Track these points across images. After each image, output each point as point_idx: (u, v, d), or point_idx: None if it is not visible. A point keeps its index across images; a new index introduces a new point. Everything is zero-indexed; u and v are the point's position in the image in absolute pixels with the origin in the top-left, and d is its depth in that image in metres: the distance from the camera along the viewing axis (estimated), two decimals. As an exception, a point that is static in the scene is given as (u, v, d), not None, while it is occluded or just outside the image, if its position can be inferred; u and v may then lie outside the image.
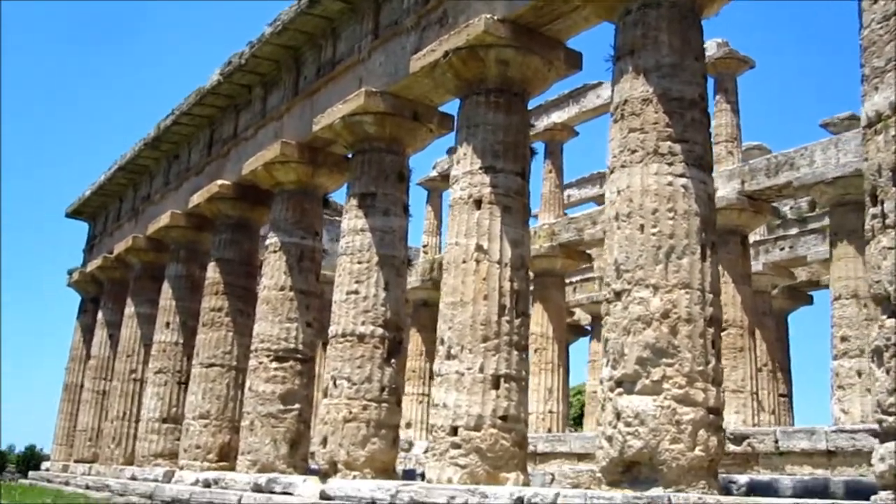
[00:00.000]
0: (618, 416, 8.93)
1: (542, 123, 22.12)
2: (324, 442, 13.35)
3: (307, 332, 16.13)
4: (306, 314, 16.17)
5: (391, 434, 13.42)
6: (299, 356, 15.92)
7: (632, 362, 8.94)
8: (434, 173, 26.01)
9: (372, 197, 14.09)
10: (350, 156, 15.42)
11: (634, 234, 9.28)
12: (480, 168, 11.76)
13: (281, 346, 15.81)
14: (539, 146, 21.85)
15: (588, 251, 21.31)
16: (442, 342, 11.46)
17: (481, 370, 11.02)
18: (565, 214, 22.08)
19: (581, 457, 14.79)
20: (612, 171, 9.82)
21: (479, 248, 11.44)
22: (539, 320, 19.77)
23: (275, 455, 15.37)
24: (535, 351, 19.68)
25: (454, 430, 10.95)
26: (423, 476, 12.82)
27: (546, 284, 19.92)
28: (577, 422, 34.76)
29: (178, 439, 19.74)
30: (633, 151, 9.54)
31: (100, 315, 25.60)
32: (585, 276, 26.83)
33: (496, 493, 9.72)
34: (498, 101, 12.02)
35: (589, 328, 28.99)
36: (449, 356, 11.28)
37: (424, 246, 26.10)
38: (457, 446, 10.88)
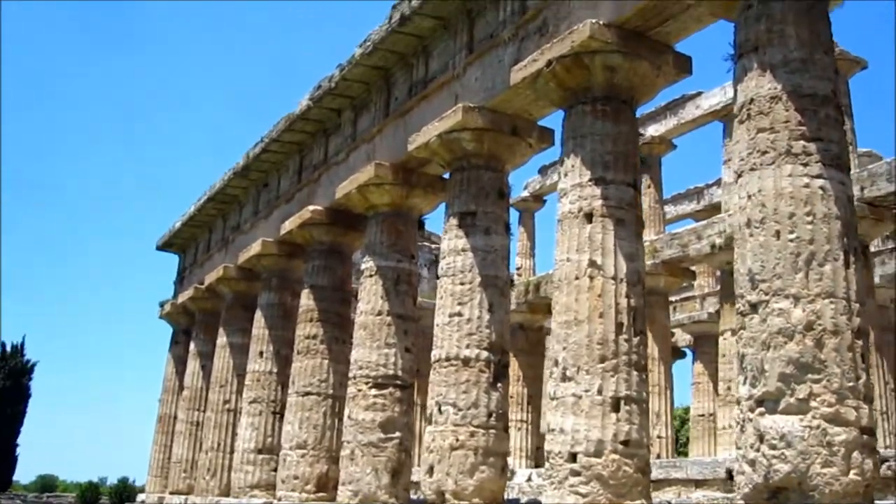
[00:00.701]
0: (760, 438, 8.23)
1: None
2: (430, 471, 12.84)
3: (406, 358, 15.69)
4: (404, 339, 15.74)
5: (500, 462, 12.84)
6: (399, 382, 15.48)
7: (774, 379, 8.24)
8: (526, 193, 25.50)
9: (472, 216, 13.63)
10: (447, 175, 15.02)
11: (770, 241, 8.60)
12: (590, 180, 11.21)
13: (380, 373, 15.40)
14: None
15: (691, 268, 20.48)
16: (556, 363, 10.88)
17: (600, 392, 10.41)
18: (665, 231, 21.31)
19: (698, 483, 13.98)
20: (740, 175, 9.16)
21: (592, 263, 10.87)
22: (643, 341, 18.96)
23: (376, 485, 14.92)
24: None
25: (573, 457, 10.35)
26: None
27: (649, 303, 19.07)
28: (681, 448, 33.65)
29: (275, 470, 19.45)
30: (764, 153, 8.88)
31: (192, 346, 25.60)
32: (684, 294, 25.90)
33: (624, 522, 9.08)
34: (605, 109, 11.48)
35: (688, 350, 27.99)
36: (564, 378, 10.69)
37: (518, 268, 25.54)
38: (576, 473, 10.26)
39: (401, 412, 15.40)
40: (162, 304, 28.35)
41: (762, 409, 8.31)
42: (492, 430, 12.78)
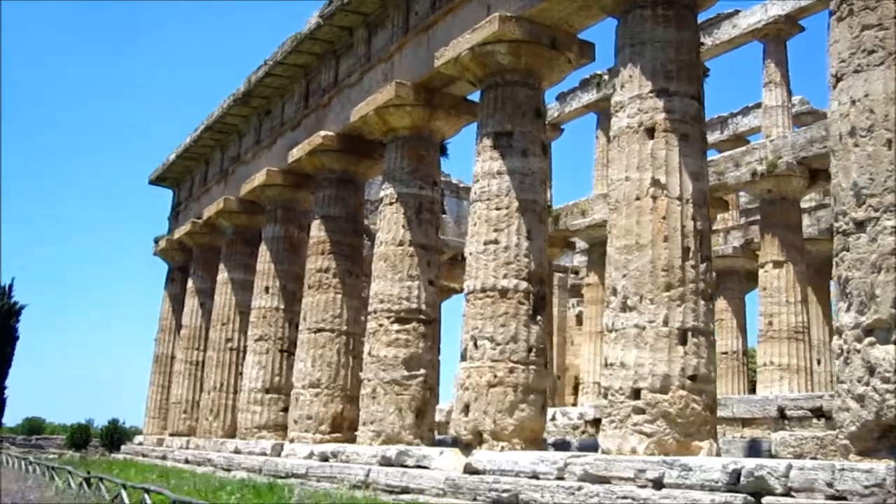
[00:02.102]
0: (870, 370, 7.31)
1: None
2: (465, 409, 11.95)
3: (430, 291, 14.74)
4: (428, 271, 14.77)
5: (540, 400, 11.97)
6: (422, 317, 14.54)
7: (887, 305, 7.30)
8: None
9: (508, 136, 12.58)
10: (472, 97, 13.96)
11: (880, 152, 7.60)
12: (651, 91, 10.18)
13: (402, 307, 14.45)
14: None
15: (724, 198, 19.50)
16: (615, 292, 9.95)
17: (665, 323, 9.49)
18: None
19: (746, 422, 13.22)
20: (839, 79, 8.13)
21: (655, 182, 9.88)
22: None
23: (400, 425, 14.06)
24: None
25: (636, 393, 9.47)
26: (581, 447, 11.40)
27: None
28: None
29: (283, 410, 18.64)
30: (871, 52, 7.84)
31: (189, 283, 24.58)
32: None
33: (702, 464, 8.22)
34: (667, 14, 10.41)
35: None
36: (625, 308, 9.76)
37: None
38: (640, 411, 9.40)
39: (425, 348, 14.49)
40: (157, 241, 27.23)
41: (872, 339, 7.38)
42: (532, 366, 11.89)
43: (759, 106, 21.92)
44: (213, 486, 13.59)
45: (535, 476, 10.15)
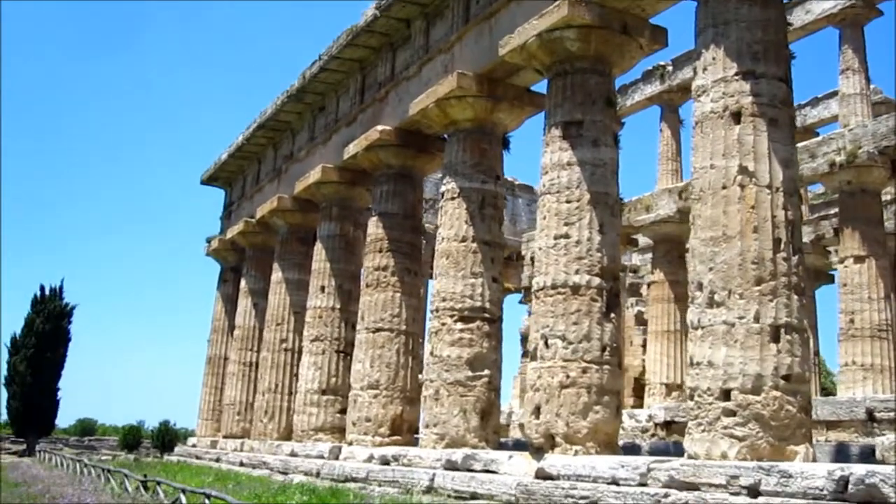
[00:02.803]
0: None
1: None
2: (536, 412, 11.41)
3: (493, 288, 14.23)
4: (492, 268, 14.27)
5: (614, 401, 11.39)
6: (486, 315, 14.04)
7: None
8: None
9: (578, 126, 12.02)
10: (536, 88, 13.44)
11: None
12: (736, 74, 9.58)
13: (466, 305, 13.95)
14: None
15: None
16: (700, 287, 9.36)
17: (757, 319, 8.89)
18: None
19: (830, 425, 12.51)
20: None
21: (743, 169, 9.28)
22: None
23: (465, 428, 13.57)
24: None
25: (726, 394, 8.88)
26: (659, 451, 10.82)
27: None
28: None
29: (340, 412, 18.26)
30: None
31: (242, 283, 24.33)
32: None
33: (804, 471, 7.60)
34: (752, -9, 9.78)
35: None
36: (712, 303, 9.17)
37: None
38: (731, 413, 8.80)
39: (489, 348, 13.99)
40: (209, 241, 27.04)
41: None
42: (606, 366, 11.31)
43: (829, 96, 21.15)
44: (272, 491, 13.22)
45: (614, 482, 9.58)
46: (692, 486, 8.58)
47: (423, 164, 17.25)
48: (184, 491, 11.39)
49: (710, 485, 8.40)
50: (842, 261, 15.87)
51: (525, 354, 23.69)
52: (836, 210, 18.03)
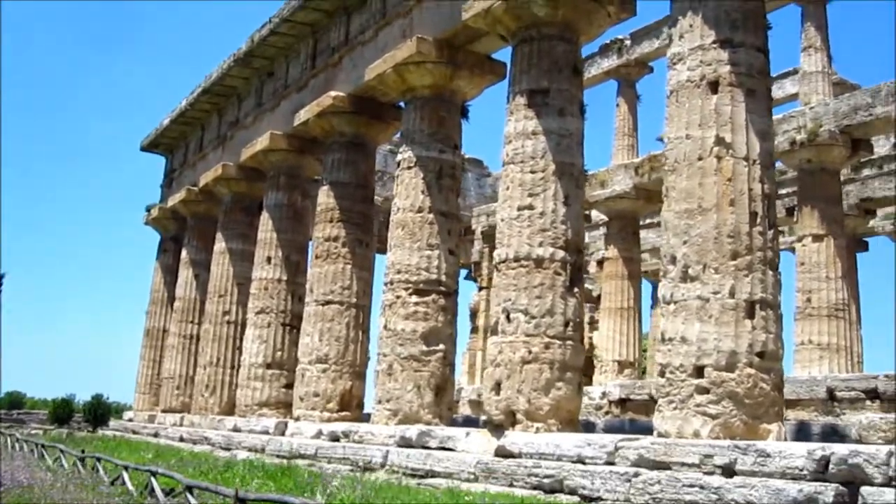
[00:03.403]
0: None
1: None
2: (496, 388, 11.08)
3: (450, 261, 13.83)
4: (448, 240, 13.86)
5: (576, 378, 11.11)
6: (442, 289, 13.65)
7: None
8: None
9: (544, 94, 11.64)
10: (501, 54, 13.00)
11: None
12: (714, 42, 9.30)
13: (421, 277, 13.54)
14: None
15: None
16: (673, 261, 9.08)
17: (732, 294, 8.65)
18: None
19: (790, 403, 12.38)
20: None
21: (719, 140, 9.01)
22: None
23: (419, 404, 13.18)
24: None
25: (699, 371, 8.64)
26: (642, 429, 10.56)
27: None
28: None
29: (285, 387, 17.77)
30: None
31: (184, 253, 23.55)
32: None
33: (782, 450, 7.39)
34: (730, -42, 9.47)
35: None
36: (686, 278, 8.91)
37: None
38: (704, 391, 8.57)
39: (445, 322, 13.61)
40: (148, 209, 26.14)
41: None
42: (569, 342, 11.01)
43: (789, 74, 21.08)
44: (218, 467, 12.69)
45: (580, 460, 9.31)
46: (663, 465, 8.32)
47: (376, 133, 16.74)
48: (126, 468, 10.81)
49: (683, 464, 8.14)
50: (800, 239, 15.81)
51: (474, 330, 23.40)
52: (792, 189, 18.00)
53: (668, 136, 9.58)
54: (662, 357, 9.02)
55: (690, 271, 8.88)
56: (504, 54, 14.36)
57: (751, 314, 8.65)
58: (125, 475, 10.64)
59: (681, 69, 9.49)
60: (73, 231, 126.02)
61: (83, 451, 13.63)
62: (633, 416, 15.07)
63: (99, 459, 12.43)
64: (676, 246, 9.08)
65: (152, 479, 9.58)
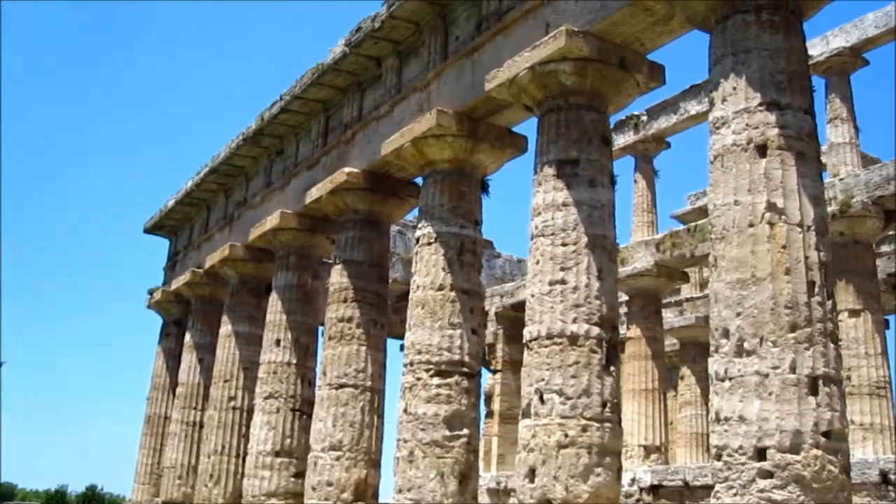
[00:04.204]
0: None
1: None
2: (530, 475, 10.36)
3: (473, 341, 13.21)
4: (471, 318, 13.27)
5: (616, 463, 10.42)
6: (465, 370, 13.00)
7: None
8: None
9: (573, 164, 11.22)
10: (518, 129, 12.66)
11: None
12: (760, 104, 8.89)
13: (443, 358, 12.90)
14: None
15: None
16: (726, 334, 8.50)
17: (793, 369, 8.06)
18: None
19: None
20: None
21: (771, 206, 8.53)
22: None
23: (442, 493, 12.40)
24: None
25: (760, 453, 7.99)
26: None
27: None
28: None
29: (295, 476, 16.93)
30: None
31: (187, 337, 22.83)
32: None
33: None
34: (773, 19, 9.19)
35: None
36: (741, 352, 8.32)
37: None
38: (767, 475, 7.90)
39: (468, 405, 12.92)
40: (151, 293, 25.52)
41: None
42: (606, 424, 10.35)
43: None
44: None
45: (629, 553, 8.57)
46: (726, 558, 7.62)
47: (391, 211, 16.29)
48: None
49: (750, 557, 7.44)
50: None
51: (489, 415, 22.60)
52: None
53: (713, 203, 9.09)
54: (718, 438, 8.36)
55: (746, 345, 8.29)
56: (524, 128, 14.10)
57: (814, 391, 8.04)
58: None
59: (725, 133, 9.06)
60: (71, 316, 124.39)
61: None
62: (666, 503, 14.28)
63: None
64: (729, 318, 8.50)
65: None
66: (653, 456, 17.88)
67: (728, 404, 8.29)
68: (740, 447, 8.08)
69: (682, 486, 13.97)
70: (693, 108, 20.15)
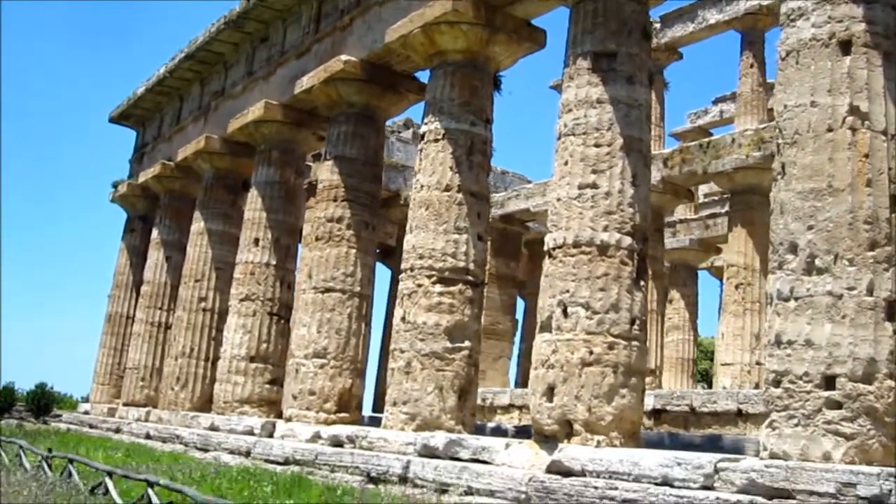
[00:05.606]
0: None
1: (741, 6, 18.08)
2: (548, 393, 9.54)
3: (478, 247, 12.28)
4: (478, 223, 12.31)
5: (640, 384, 9.64)
6: (470, 278, 12.08)
7: None
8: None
9: (611, 58, 10.15)
10: (537, 22, 11.51)
11: None
12: (846, -6, 7.85)
13: (447, 265, 11.96)
14: (734, 37, 17.78)
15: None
16: (794, 249, 7.63)
17: (870, 291, 7.22)
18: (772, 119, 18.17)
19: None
20: None
21: (854, 110, 7.58)
22: (742, 248, 15.93)
23: (440, 407, 11.59)
24: (737, 287, 15.91)
25: (829, 381, 7.17)
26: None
27: (751, 204, 15.97)
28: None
29: (270, 383, 16.13)
30: None
31: (155, 233, 21.62)
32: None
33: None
34: None
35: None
36: (811, 270, 7.46)
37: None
38: (836, 405, 7.11)
39: (471, 316, 12.04)
40: (116, 185, 24.13)
41: None
42: (634, 343, 9.53)
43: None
44: (208, 474, 11.00)
45: (666, 483, 7.80)
46: (784, 494, 6.87)
47: (388, 105, 15.13)
48: (110, 474, 9.04)
49: (812, 492, 6.69)
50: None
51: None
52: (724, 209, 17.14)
53: (784, 104, 8.10)
54: (779, 363, 7.54)
55: (818, 262, 7.42)
56: (543, 21, 12.99)
57: (891, 316, 7.22)
58: (109, 484, 8.87)
59: (803, 26, 8.04)
60: (25, 207, 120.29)
61: (49, 450, 11.79)
62: (669, 429, 13.66)
63: (71, 461, 10.58)
64: (798, 231, 7.62)
65: (150, 490, 7.83)
66: (647, 379, 17.23)
67: (793, 326, 7.46)
68: (805, 374, 7.27)
69: (688, 412, 13.36)
70: (713, 16, 18.99)
